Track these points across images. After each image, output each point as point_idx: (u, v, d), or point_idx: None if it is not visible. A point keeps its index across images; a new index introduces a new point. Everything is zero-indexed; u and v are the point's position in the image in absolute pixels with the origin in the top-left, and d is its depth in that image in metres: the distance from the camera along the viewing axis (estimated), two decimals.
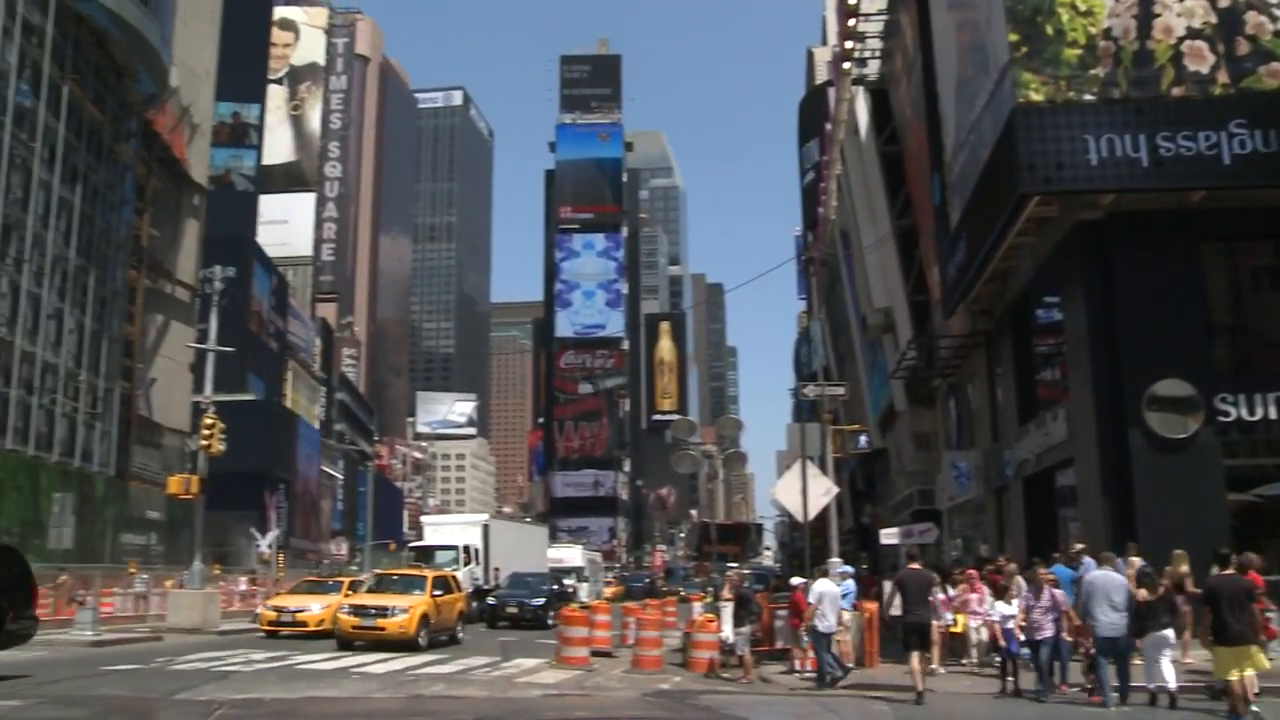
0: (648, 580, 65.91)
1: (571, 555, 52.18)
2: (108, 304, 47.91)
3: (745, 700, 15.58)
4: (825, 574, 18.72)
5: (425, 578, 25.30)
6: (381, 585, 25.92)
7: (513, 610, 31.60)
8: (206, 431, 32.13)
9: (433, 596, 23.94)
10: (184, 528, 50.22)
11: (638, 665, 18.64)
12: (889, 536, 32.28)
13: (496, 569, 37.17)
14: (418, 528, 46.23)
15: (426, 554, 36.36)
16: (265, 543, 60.89)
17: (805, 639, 17.57)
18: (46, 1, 41.34)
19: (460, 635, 25.66)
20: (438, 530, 40.18)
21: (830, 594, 16.61)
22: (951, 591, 18.69)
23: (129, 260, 51.44)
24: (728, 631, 18.56)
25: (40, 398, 41.84)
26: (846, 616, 18.97)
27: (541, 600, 31.88)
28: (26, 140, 40.67)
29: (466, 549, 36.34)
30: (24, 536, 39.53)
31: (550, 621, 30.09)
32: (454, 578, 27.44)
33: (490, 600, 32.61)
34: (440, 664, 19.39)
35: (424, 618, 23.03)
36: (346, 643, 22.64)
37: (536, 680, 17.18)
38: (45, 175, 41.78)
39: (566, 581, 42.51)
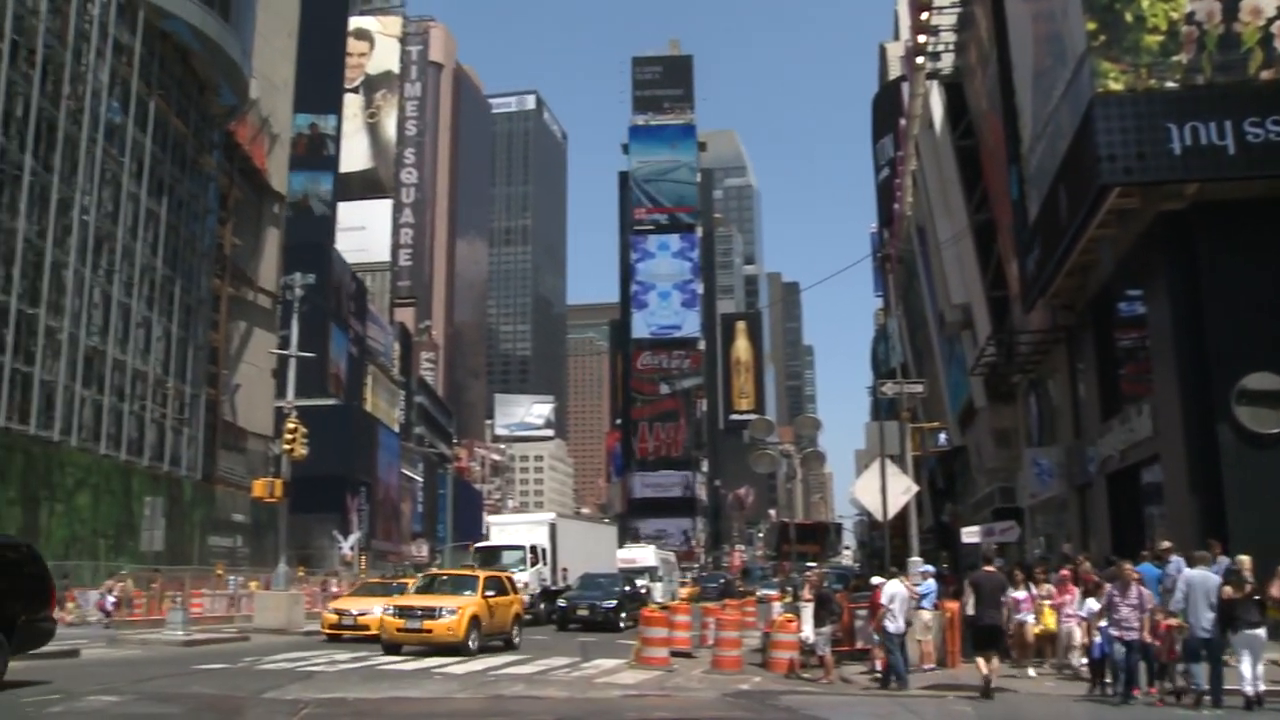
0: (723, 580, 64.46)
1: (644, 555, 50.95)
2: (193, 312, 49.12)
3: (826, 701, 15.47)
4: (894, 575, 18.52)
5: (477, 578, 24.08)
6: (432, 586, 24.76)
7: (584, 612, 30.44)
8: (289, 436, 32.74)
9: (484, 598, 22.61)
10: (268, 530, 51.32)
11: (717, 666, 18.62)
12: (970, 535, 31.91)
13: (564, 569, 36.26)
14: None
15: (493, 554, 35.22)
16: (347, 545, 61.99)
17: (875, 639, 17.47)
18: (135, 21, 42.58)
19: (516, 640, 24.09)
20: (504, 530, 38.69)
21: (902, 595, 16.51)
22: (1034, 590, 18.36)
23: (213, 269, 52.75)
24: (808, 631, 18.43)
25: (131, 404, 43.07)
26: (927, 616, 18.80)
27: (614, 602, 30.73)
28: (116, 155, 41.91)
29: (533, 549, 35.00)
30: (118, 538, 40.84)
31: (623, 624, 29.60)
32: (509, 579, 26.07)
33: (561, 602, 31.61)
34: (520, 664, 19.52)
35: (474, 620, 21.68)
36: (393, 646, 21.64)
37: (616, 681, 17.20)
38: (134, 188, 43.00)
39: (639, 582, 41.66)
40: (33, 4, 36.99)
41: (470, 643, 21.38)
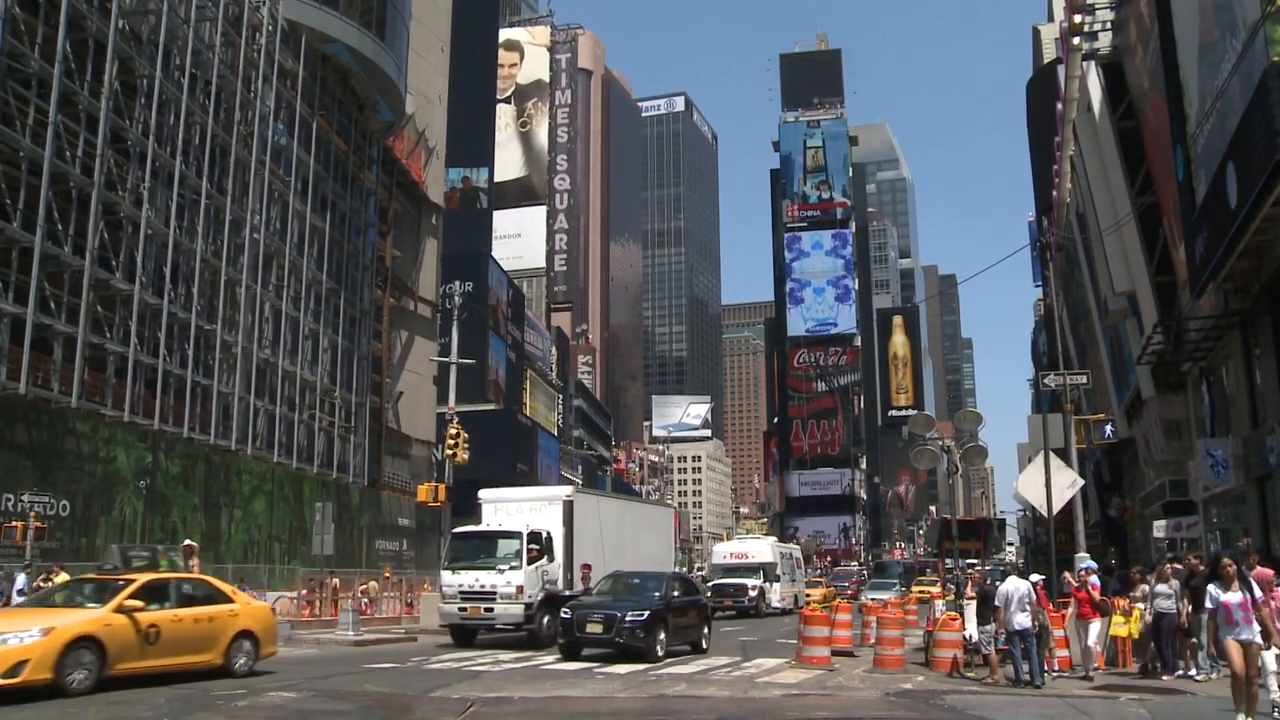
0: (854, 579, 58.96)
1: (759, 549, 42.47)
2: (357, 323, 50.91)
3: (992, 700, 15.07)
4: (1010, 574, 18.12)
5: (128, 583, 14.79)
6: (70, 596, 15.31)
7: (595, 628, 19.65)
8: (451, 441, 33.74)
9: (124, 612, 14.12)
10: (433, 533, 52.77)
11: (879, 665, 18.42)
12: (1159, 529, 31.33)
13: (585, 566, 25.24)
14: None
15: (478, 543, 24.10)
16: None
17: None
18: (298, 47, 44.56)
19: (237, 664, 15.88)
20: (500, 509, 26.09)
21: (1017, 593, 16.11)
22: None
23: (375, 280, 54.53)
24: (972, 630, 18.08)
25: (300, 414, 44.95)
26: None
27: (643, 614, 19.57)
28: (283, 175, 43.88)
29: (535, 537, 23.66)
30: (291, 542, 42.63)
31: (660, 650, 19.78)
32: (200, 582, 16.83)
33: (564, 613, 20.44)
34: (680, 664, 19.53)
35: (76, 646, 13.19)
36: None
37: (777, 680, 17.09)
38: (299, 206, 44.89)
39: (750, 582, 37.55)
40: (209, 39, 39.09)
41: (71, 681, 13.11)
